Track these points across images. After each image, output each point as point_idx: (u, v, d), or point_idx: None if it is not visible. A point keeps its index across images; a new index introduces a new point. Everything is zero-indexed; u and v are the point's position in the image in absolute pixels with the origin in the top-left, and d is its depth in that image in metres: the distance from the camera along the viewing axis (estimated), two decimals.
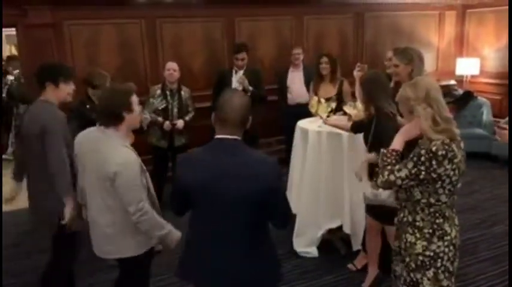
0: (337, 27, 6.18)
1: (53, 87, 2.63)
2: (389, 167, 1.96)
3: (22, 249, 3.91)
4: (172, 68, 4.33)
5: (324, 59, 4.42)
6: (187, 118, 4.35)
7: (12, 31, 5.25)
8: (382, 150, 2.03)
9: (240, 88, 4.47)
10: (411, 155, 1.91)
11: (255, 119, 4.95)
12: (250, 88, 4.53)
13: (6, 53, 9.11)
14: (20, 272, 3.51)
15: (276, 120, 5.36)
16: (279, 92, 5.29)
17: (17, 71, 6.53)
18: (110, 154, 2.09)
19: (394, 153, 1.98)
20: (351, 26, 6.28)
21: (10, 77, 6.59)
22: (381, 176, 1.97)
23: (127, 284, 2.48)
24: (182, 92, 4.40)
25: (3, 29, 6.12)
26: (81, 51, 4.84)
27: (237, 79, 4.62)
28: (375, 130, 2.82)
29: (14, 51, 8.74)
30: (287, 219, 1.93)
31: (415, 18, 6.68)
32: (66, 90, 2.69)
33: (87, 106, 3.44)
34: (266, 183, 1.73)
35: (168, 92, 4.35)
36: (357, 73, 3.84)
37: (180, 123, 4.25)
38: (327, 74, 4.42)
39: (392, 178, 1.93)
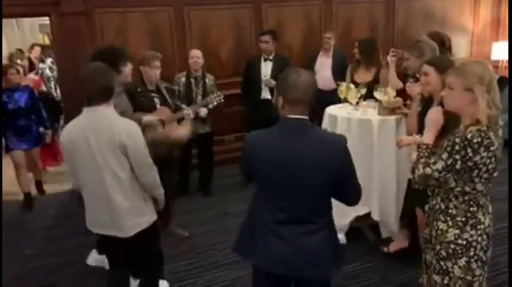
0: (367, 12, 6.04)
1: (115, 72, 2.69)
2: (423, 161, 1.92)
3: (57, 231, 4.07)
4: (195, 56, 4.35)
5: (356, 44, 4.33)
6: (210, 106, 4.35)
7: (45, 20, 5.38)
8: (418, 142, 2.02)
9: (267, 90, 4.57)
10: (445, 145, 1.86)
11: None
12: (274, 83, 4.46)
13: (39, 42, 9.40)
14: (55, 253, 3.66)
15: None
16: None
17: (50, 59, 6.71)
18: (114, 126, 2.19)
19: (427, 147, 1.96)
20: (381, 10, 6.13)
21: (42, 65, 6.78)
22: (416, 170, 1.94)
23: (149, 256, 2.55)
24: (206, 80, 4.42)
25: (37, 18, 6.29)
26: (111, 38, 4.90)
27: (263, 82, 4.61)
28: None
29: (47, 41, 9.00)
30: (359, 193, 1.96)
31: (449, 1, 6.45)
32: (126, 72, 2.90)
33: (139, 89, 3.48)
34: (336, 158, 1.79)
35: (192, 80, 4.37)
36: (391, 58, 3.77)
37: (203, 111, 4.25)
38: (359, 59, 4.32)
39: (428, 171, 1.88)
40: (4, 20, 8.53)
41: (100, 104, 2.20)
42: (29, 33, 10.43)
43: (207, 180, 4.74)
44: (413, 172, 1.96)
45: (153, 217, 2.41)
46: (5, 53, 8.33)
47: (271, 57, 4.78)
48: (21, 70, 5.15)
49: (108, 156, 2.20)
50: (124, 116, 2.42)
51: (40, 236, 3.99)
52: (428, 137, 1.99)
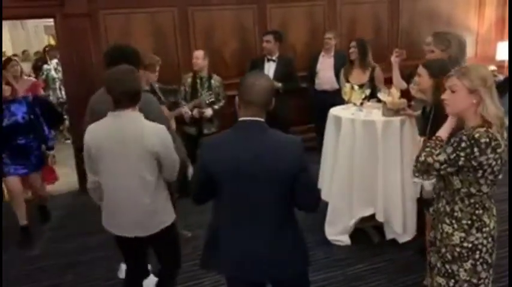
0: (371, 12, 6.02)
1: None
2: (428, 149, 1.92)
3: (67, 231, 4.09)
4: (196, 56, 4.37)
5: (353, 44, 4.34)
6: (216, 107, 4.35)
7: (50, 22, 5.39)
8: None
9: None
10: (451, 141, 1.86)
11: (286, 107, 4.94)
12: (279, 85, 4.45)
13: (45, 43, 9.45)
14: (64, 253, 3.66)
15: (307, 108, 5.32)
16: (308, 77, 5.24)
17: (55, 60, 6.74)
18: (145, 134, 2.18)
19: (438, 140, 1.95)
20: (385, 10, 6.10)
21: (47, 67, 6.81)
22: (419, 158, 1.93)
23: (172, 253, 2.58)
24: (212, 81, 4.42)
25: (42, 20, 6.28)
26: (115, 39, 4.89)
27: None
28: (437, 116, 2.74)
29: (52, 42, 9.04)
30: (315, 200, 1.94)
31: (453, 1, 6.42)
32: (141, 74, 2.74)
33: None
34: (292, 162, 1.78)
35: (198, 81, 4.37)
36: (394, 59, 3.76)
37: (208, 111, 4.26)
38: (355, 59, 4.32)
39: (430, 160, 1.87)
40: (9, 22, 8.63)
41: (127, 107, 2.18)
42: (33, 34, 10.51)
43: None
44: (416, 159, 1.96)
45: (173, 215, 2.47)
46: (9, 53, 8.40)
47: (274, 58, 4.79)
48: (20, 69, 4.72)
49: (137, 162, 2.20)
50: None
51: (46, 237, 4.01)
52: (444, 130, 1.98)
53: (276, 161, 1.77)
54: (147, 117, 2.26)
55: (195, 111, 4.26)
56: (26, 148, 3.82)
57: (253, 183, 1.79)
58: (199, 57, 4.37)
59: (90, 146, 2.24)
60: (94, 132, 2.25)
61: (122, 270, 3.21)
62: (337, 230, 3.63)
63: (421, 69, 2.72)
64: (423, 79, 2.71)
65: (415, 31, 6.13)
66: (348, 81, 4.18)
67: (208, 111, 4.27)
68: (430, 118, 2.72)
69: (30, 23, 9.72)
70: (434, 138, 1.97)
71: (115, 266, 3.25)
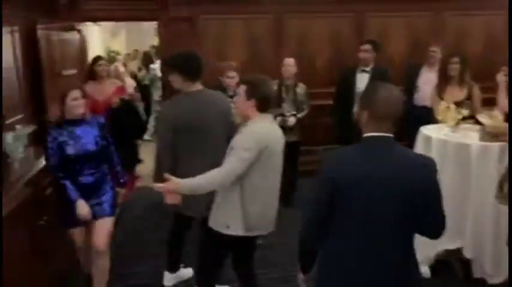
0: (483, 25, 5.50)
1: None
2: None
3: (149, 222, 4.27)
4: (288, 64, 4.33)
5: (455, 59, 3.94)
6: (299, 116, 4.27)
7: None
8: None
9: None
10: None
11: None
12: None
13: (155, 44, 10.14)
14: (147, 243, 3.83)
15: (398, 123, 5.00)
16: (406, 91, 4.93)
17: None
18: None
19: None
20: (501, 23, 5.52)
21: (153, 66, 7.30)
22: (504, 185, 1.68)
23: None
24: (297, 89, 4.37)
25: (150, 22, 6.70)
26: (212, 44, 5.10)
27: (357, 95, 4.39)
28: None
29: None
30: (442, 227, 1.77)
31: None
32: None
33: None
34: (425, 184, 1.64)
35: (283, 88, 4.34)
36: (500, 78, 3.40)
37: (291, 120, 4.21)
38: (455, 75, 3.94)
39: None
40: (124, 23, 9.43)
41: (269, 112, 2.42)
42: (147, 35, 11.37)
43: (290, 190, 4.67)
44: (500, 187, 1.71)
45: None
46: (123, 52, 9.16)
47: (368, 69, 4.58)
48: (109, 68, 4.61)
49: (281, 161, 2.44)
50: None
51: (127, 227, 4.17)
52: None
53: (411, 181, 1.62)
54: None
55: (278, 119, 4.23)
56: (97, 185, 2.83)
57: (377, 204, 1.64)
58: (291, 64, 4.36)
59: (267, 146, 2.31)
60: (259, 131, 2.33)
61: (167, 278, 3.27)
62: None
63: None
64: None
65: None
66: (441, 98, 3.83)
67: (291, 120, 4.22)
68: None
69: (146, 24, 10.52)
70: None
71: None
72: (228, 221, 2.38)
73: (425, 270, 3.28)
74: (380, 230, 1.67)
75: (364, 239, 1.69)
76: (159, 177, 2.89)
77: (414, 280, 1.79)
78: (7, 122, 3.04)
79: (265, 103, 2.34)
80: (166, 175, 2.26)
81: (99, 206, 2.81)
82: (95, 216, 2.78)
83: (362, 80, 4.56)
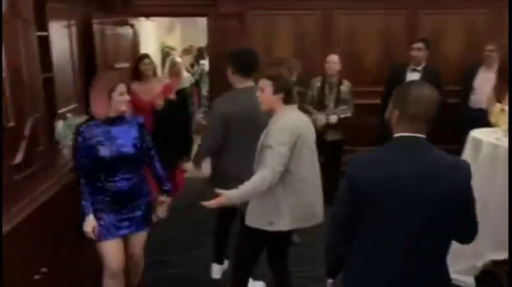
0: None
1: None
2: None
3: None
4: (332, 61, 4.24)
5: None
6: (342, 115, 4.18)
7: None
8: None
9: None
10: None
11: None
12: None
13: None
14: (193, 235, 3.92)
15: (450, 126, 4.78)
16: (462, 92, 4.72)
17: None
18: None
19: None
20: None
21: (202, 61, 7.44)
22: None
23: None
24: (342, 87, 4.27)
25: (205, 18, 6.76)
26: (259, 40, 5.11)
27: None
28: None
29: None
30: (474, 232, 1.70)
31: None
32: None
33: None
34: (458, 188, 1.57)
35: (326, 85, 4.26)
36: None
37: (333, 117, 4.13)
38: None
39: None
40: (181, 19, 9.66)
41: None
42: (202, 31, 11.57)
43: (331, 189, 4.59)
44: None
45: None
46: (179, 48, 9.36)
47: (419, 68, 4.42)
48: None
49: (314, 148, 2.48)
50: None
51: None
52: None
53: (443, 184, 1.56)
54: None
55: (321, 117, 4.17)
56: (134, 194, 2.50)
57: (406, 207, 1.58)
58: (335, 61, 4.27)
59: (299, 135, 2.35)
60: (292, 122, 2.37)
61: (215, 270, 3.31)
62: (459, 269, 3.15)
63: None
64: None
65: None
66: (499, 101, 3.61)
67: (334, 118, 4.14)
68: None
69: (200, 20, 10.71)
70: None
71: None
72: (271, 217, 2.38)
73: (470, 280, 3.14)
74: (407, 233, 1.60)
75: (392, 240, 1.63)
76: (198, 160, 3.00)
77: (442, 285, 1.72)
78: (60, 111, 3.20)
79: (290, 95, 2.40)
80: (216, 190, 2.26)
81: (133, 223, 2.51)
82: (128, 231, 2.52)
83: (412, 79, 4.40)
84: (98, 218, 2.43)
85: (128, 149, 2.44)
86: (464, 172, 1.60)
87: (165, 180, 2.67)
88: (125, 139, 2.44)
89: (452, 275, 3.17)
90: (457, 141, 4.73)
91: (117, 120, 2.44)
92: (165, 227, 3.81)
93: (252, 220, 2.44)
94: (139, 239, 2.62)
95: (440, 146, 4.46)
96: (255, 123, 2.55)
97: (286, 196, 2.35)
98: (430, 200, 1.56)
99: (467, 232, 1.69)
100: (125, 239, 2.56)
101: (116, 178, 2.42)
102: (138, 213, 2.53)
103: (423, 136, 1.62)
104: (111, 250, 2.48)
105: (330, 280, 1.92)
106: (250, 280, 3.00)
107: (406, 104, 1.61)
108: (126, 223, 2.50)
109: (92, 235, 2.43)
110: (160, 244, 3.70)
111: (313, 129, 2.51)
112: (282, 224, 2.39)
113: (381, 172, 1.60)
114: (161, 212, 2.67)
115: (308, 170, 2.41)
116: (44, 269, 2.22)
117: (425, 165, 1.58)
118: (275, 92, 2.34)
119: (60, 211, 1.91)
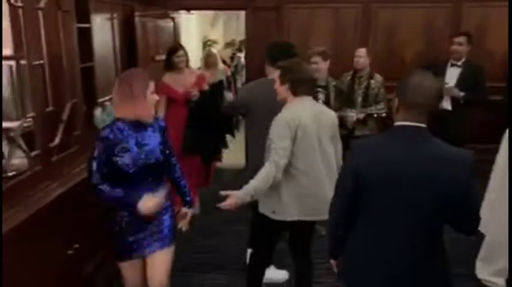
0: None
1: None
2: None
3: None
4: (358, 55, 4.10)
5: None
6: (368, 111, 4.03)
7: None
8: None
9: (449, 100, 4.11)
10: None
11: (464, 121, 4.34)
12: (461, 94, 4.01)
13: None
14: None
15: (493, 124, 4.59)
16: (508, 89, 4.50)
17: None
18: (328, 111, 2.53)
19: None
20: None
21: (239, 54, 7.53)
22: None
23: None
24: (372, 81, 4.11)
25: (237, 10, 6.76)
26: (298, 33, 5.09)
27: (445, 91, 4.06)
28: None
29: None
30: (474, 224, 1.69)
31: None
32: None
33: None
34: (456, 179, 1.57)
35: (356, 79, 4.15)
36: None
37: (350, 116, 3.99)
38: None
39: None
40: (224, 13, 9.79)
41: (310, 94, 2.45)
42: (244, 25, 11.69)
43: None
44: None
45: None
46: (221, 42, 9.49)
47: (459, 63, 4.26)
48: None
49: (326, 141, 2.40)
50: None
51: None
52: None
53: (442, 174, 1.56)
54: None
55: (351, 113, 4.04)
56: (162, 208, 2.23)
57: (411, 196, 1.60)
58: (362, 55, 4.10)
59: (298, 125, 2.30)
60: (294, 112, 2.32)
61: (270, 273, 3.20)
62: (492, 270, 3.08)
63: None
64: None
65: None
66: None
67: (360, 115, 4.03)
68: None
69: (243, 14, 10.77)
70: None
71: None
72: (274, 207, 2.41)
73: (501, 282, 3.05)
74: (407, 220, 1.63)
75: (391, 228, 1.65)
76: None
77: (441, 275, 1.71)
78: (100, 100, 3.37)
79: (298, 87, 2.33)
80: (222, 192, 2.28)
81: (157, 239, 2.23)
82: (152, 250, 2.23)
83: (452, 75, 4.26)
84: (121, 238, 2.20)
85: (155, 155, 2.13)
86: (465, 162, 1.59)
87: (187, 191, 2.39)
88: (152, 145, 2.13)
89: (484, 276, 3.16)
90: (496, 141, 4.57)
91: (142, 123, 2.11)
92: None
93: (261, 205, 2.48)
94: (163, 258, 2.25)
95: (483, 145, 4.36)
96: (275, 113, 2.60)
97: (288, 188, 2.35)
98: (426, 190, 1.57)
99: (467, 222, 1.67)
100: (147, 259, 2.26)
101: (139, 190, 2.09)
102: (162, 231, 2.23)
103: (423, 125, 1.62)
104: (134, 268, 2.26)
105: (332, 261, 1.98)
106: (274, 267, 3.05)
107: (405, 92, 1.63)
108: (151, 238, 2.22)
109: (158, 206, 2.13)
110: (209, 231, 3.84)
111: (327, 122, 2.41)
112: (285, 214, 2.39)
113: (378, 159, 1.64)
114: (184, 224, 2.41)
115: (312, 163, 2.34)
116: (76, 245, 2.37)
117: (423, 154, 1.58)
118: (282, 82, 2.36)
119: (91, 192, 2.04)
